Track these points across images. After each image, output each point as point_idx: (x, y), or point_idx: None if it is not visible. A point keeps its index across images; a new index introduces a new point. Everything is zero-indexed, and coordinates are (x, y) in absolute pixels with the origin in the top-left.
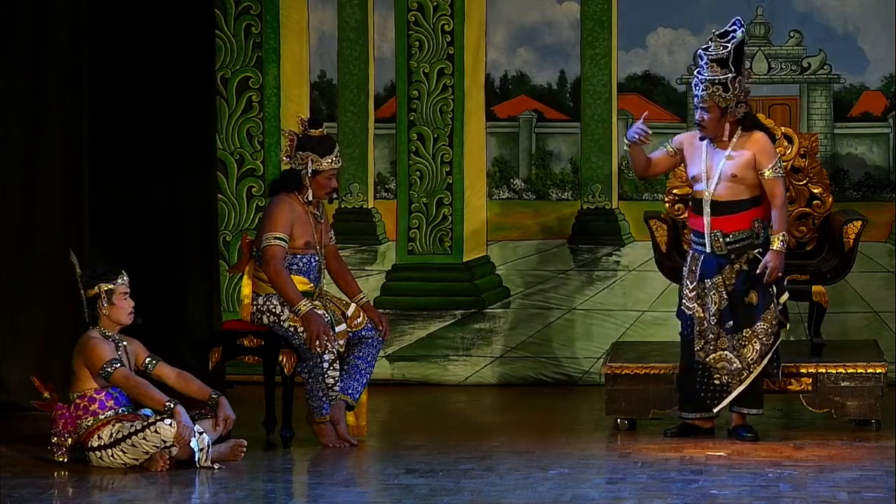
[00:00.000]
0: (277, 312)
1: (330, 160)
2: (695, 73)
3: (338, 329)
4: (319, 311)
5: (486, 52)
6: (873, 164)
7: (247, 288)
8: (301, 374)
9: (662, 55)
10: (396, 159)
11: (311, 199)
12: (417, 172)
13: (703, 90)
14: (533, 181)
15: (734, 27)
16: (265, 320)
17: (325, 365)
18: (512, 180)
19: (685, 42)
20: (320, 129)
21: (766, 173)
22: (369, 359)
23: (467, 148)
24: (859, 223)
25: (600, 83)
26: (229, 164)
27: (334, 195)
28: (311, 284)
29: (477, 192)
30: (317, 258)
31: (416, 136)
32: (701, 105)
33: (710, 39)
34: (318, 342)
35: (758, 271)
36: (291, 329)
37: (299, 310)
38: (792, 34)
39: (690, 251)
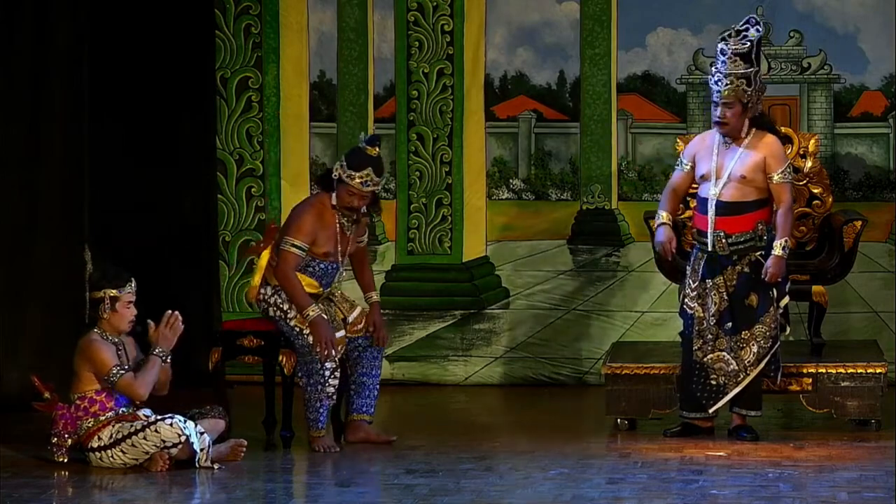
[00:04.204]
0: (285, 309)
1: (356, 177)
2: (713, 70)
3: (336, 335)
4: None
5: (485, 52)
6: (873, 164)
7: (258, 275)
8: (300, 377)
9: (662, 55)
10: (396, 159)
11: (334, 203)
12: (417, 172)
13: (726, 85)
14: (532, 181)
15: (746, 26)
16: (270, 312)
17: (327, 374)
18: (511, 180)
19: (685, 42)
20: (372, 149)
21: (775, 177)
22: (373, 372)
23: (467, 148)
24: (859, 223)
25: (600, 83)
26: (229, 164)
27: (354, 217)
28: (320, 289)
29: (476, 193)
30: (335, 266)
31: (415, 136)
32: (723, 101)
33: (728, 35)
34: (324, 349)
35: (763, 276)
36: (297, 329)
37: (308, 315)
38: (792, 34)
39: (693, 250)
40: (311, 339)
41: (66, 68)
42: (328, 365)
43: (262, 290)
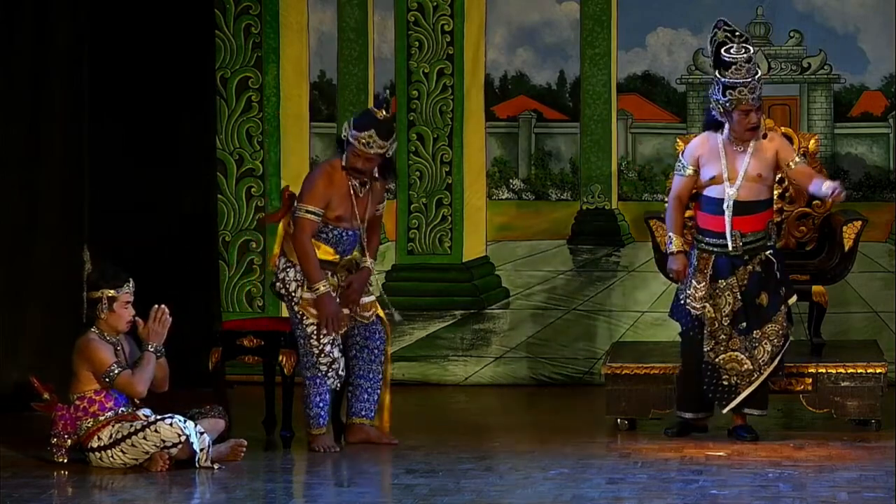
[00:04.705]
0: (291, 290)
1: (359, 138)
2: (735, 79)
3: (344, 311)
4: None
5: (485, 52)
6: (873, 164)
7: (277, 243)
8: (301, 372)
9: (662, 55)
10: (396, 159)
11: (344, 164)
12: (417, 172)
13: (759, 91)
14: (532, 181)
15: (716, 31)
16: (277, 287)
17: (324, 368)
18: (511, 180)
19: (685, 42)
20: (379, 111)
21: (793, 164)
22: (370, 376)
23: (467, 148)
24: (859, 223)
25: (600, 83)
26: (229, 164)
27: (365, 181)
28: (337, 256)
29: (477, 192)
30: (351, 233)
31: (415, 136)
32: (755, 107)
33: (726, 42)
34: (326, 325)
35: (830, 196)
36: (299, 315)
37: (317, 289)
38: (792, 34)
39: (695, 251)
40: (309, 329)
41: (66, 68)
42: (323, 360)
43: (278, 261)
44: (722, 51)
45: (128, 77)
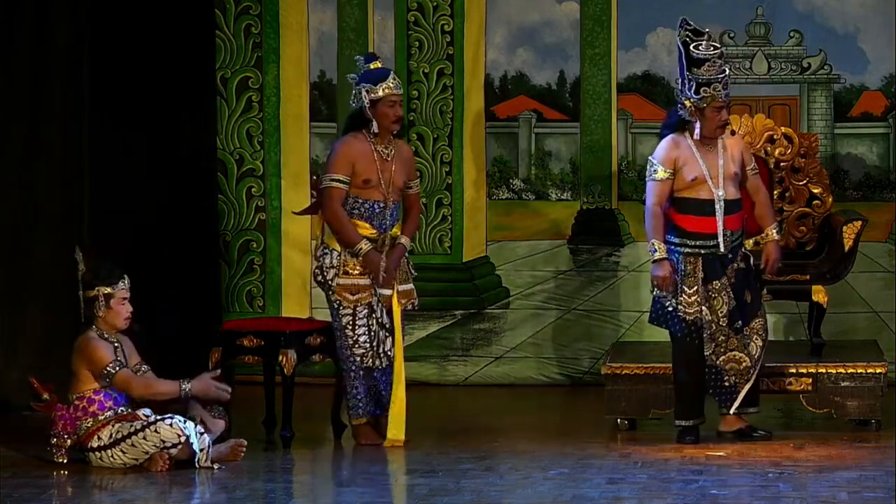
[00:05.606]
0: (329, 278)
1: (384, 86)
2: (709, 75)
3: (385, 291)
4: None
5: (485, 52)
6: (873, 164)
7: (317, 230)
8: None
9: (662, 55)
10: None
11: (376, 131)
12: (417, 172)
13: (729, 87)
14: (532, 181)
15: (679, 31)
16: (316, 275)
17: (359, 359)
18: (511, 180)
19: None
20: (376, 62)
21: (751, 171)
22: (384, 378)
23: (467, 148)
24: (859, 223)
25: (600, 83)
26: (229, 164)
27: (399, 126)
28: (376, 231)
29: (477, 192)
30: (381, 204)
31: (415, 136)
32: (726, 104)
33: (699, 41)
34: (377, 278)
35: (764, 267)
36: (336, 304)
37: (360, 249)
38: (792, 34)
39: (676, 256)
40: (345, 320)
41: (66, 68)
42: (358, 351)
43: (317, 249)
44: (691, 48)
45: (128, 77)
